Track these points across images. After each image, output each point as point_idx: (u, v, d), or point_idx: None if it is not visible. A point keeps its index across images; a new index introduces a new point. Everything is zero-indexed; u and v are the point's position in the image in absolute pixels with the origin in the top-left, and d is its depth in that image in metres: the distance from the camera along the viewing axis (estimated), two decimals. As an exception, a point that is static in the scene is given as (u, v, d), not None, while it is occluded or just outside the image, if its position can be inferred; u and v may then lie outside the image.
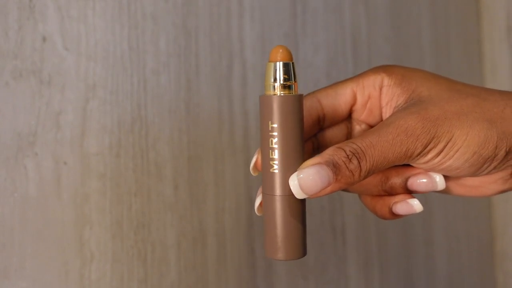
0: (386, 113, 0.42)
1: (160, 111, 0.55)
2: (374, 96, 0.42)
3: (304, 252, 0.39)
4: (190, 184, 0.56)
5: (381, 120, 0.43)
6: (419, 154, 0.38)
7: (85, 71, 0.50)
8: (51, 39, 0.48)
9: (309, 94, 0.42)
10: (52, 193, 0.48)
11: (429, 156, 0.39)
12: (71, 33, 0.50)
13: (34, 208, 0.47)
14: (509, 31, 0.92)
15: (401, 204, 0.42)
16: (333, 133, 0.44)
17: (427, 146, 0.38)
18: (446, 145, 0.38)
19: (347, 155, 0.37)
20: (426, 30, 0.84)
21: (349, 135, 0.44)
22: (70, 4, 0.50)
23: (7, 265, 0.45)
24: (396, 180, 0.42)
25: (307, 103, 0.41)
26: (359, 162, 0.37)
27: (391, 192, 0.42)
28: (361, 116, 0.43)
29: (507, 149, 0.38)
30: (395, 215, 0.42)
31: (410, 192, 0.42)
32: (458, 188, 0.43)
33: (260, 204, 0.40)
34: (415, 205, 0.41)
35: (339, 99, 0.42)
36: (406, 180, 0.42)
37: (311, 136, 0.43)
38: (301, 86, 0.67)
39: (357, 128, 0.44)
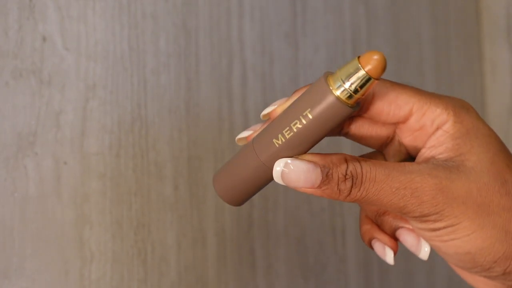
0: (423, 155, 0.36)
1: (160, 111, 0.55)
2: (425, 131, 0.36)
3: (241, 204, 0.39)
4: (190, 184, 0.56)
5: (417, 154, 0.37)
6: (413, 217, 0.35)
7: (85, 71, 0.50)
8: (51, 39, 0.48)
9: None
10: (52, 193, 0.48)
11: (422, 225, 0.35)
12: (71, 33, 0.50)
13: (34, 208, 0.47)
14: (509, 31, 0.92)
15: (379, 246, 0.39)
16: (372, 129, 0.38)
17: (425, 217, 0.34)
18: (444, 228, 0.34)
19: (346, 173, 0.34)
20: (426, 30, 0.84)
21: (384, 145, 0.39)
22: (70, 4, 0.50)
23: (7, 265, 0.45)
24: (389, 220, 0.39)
25: None
26: (351, 187, 0.34)
27: (379, 226, 0.39)
28: (403, 138, 0.38)
29: (506, 270, 0.34)
30: (370, 246, 0.40)
31: (396, 239, 0.39)
32: (450, 259, 0.38)
33: (247, 138, 0.38)
34: (389, 257, 0.38)
35: (390, 110, 0.36)
36: (398, 227, 0.38)
37: None
38: (301, 86, 0.67)
39: (395, 146, 0.38)
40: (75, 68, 0.50)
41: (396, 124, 0.37)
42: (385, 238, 0.39)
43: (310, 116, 0.34)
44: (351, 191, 0.34)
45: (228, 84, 0.60)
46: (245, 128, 0.61)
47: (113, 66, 0.52)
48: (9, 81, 0.46)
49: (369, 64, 0.32)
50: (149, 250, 0.53)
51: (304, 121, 0.34)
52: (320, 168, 0.34)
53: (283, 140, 0.35)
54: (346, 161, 0.34)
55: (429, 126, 0.36)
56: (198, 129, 0.57)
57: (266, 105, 0.63)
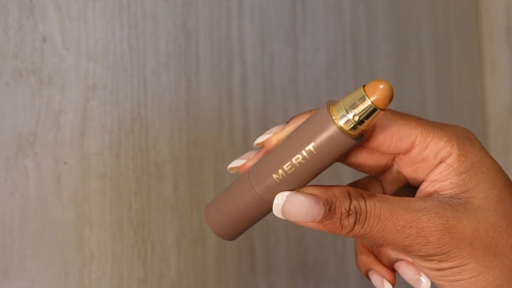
0: (425, 189, 0.35)
1: (160, 111, 0.55)
2: (428, 164, 0.35)
3: (232, 239, 0.37)
4: (190, 184, 0.56)
5: (415, 184, 0.36)
6: (418, 256, 0.34)
7: (85, 71, 0.50)
8: (51, 39, 0.48)
9: None
10: (52, 193, 0.48)
11: (426, 264, 0.34)
12: (71, 33, 0.50)
13: (34, 208, 0.47)
14: (509, 31, 0.92)
15: (377, 278, 0.38)
16: (370, 157, 0.36)
17: (431, 256, 0.33)
18: (450, 269, 0.33)
19: (349, 209, 0.33)
20: (426, 30, 0.84)
21: (381, 172, 0.38)
22: (70, 4, 0.50)
23: (7, 265, 0.45)
24: (387, 251, 0.38)
25: None
26: (354, 223, 0.33)
27: (376, 256, 0.38)
28: (403, 168, 0.36)
29: None
30: (367, 277, 0.39)
31: (393, 270, 0.38)
32: None
33: (240, 168, 0.36)
34: None
35: (392, 142, 0.35)
36: (397, 259, 0.37)
37: None
38: (301, 86, 0.67)
39: (393, 173, 0.37)
40: (75, 68, 0.50)
41: (396, 154, 0.36)
42: (383, 270, 0.38)
43: (314, 151, 0.32)
44: (354, 227, 0.33)
45: (228, 84, 0.60)
46: (245, 128, 0.61)
47: (113, 66, 0.52)
48: (9, 81, 0.46)
49: (375, 94, 0.31)
50: (149, 250, 0.53)
51: (307, 156, 0.32)
52: (323, 202, 0.33)
53: (284, 175, 0.33)
54: (350, 195, 0.33)
55: (432, 159, 0.34)
56: (198, 129, 0.57)
57: (266, 105, 0.63)
